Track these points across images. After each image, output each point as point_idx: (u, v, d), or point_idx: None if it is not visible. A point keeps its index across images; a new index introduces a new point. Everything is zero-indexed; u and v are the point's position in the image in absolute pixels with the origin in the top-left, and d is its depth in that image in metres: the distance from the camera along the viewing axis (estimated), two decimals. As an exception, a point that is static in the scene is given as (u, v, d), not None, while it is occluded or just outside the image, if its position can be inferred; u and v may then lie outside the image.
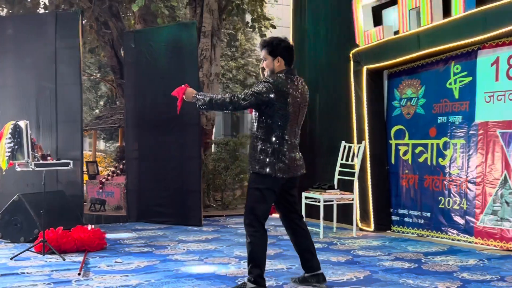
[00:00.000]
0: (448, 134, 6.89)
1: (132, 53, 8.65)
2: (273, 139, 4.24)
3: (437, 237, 6.96)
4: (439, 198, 6.97)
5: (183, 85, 4.40)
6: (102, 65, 21.34)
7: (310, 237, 4.55)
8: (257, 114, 4.28)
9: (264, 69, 4.41)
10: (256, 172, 4.27)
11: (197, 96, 4.28)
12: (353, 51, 7.82)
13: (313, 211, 7.60)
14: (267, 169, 4.23)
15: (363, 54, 7.70)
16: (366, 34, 7.65)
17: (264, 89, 4.16)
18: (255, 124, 4.31)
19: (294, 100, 4.26)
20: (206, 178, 9.97)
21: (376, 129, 7.67)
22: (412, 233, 7.28)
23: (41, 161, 5.89)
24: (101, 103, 24.86)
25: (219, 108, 4.26)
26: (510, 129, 6.18)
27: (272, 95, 4.15)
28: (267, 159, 4.23)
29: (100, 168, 12.23)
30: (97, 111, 24.04)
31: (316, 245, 4.90)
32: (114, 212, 9.91)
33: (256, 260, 4.28)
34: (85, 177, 10.05)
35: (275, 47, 4.32)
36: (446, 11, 6.59)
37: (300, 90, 4.34)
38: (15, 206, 6.67)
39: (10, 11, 11.27)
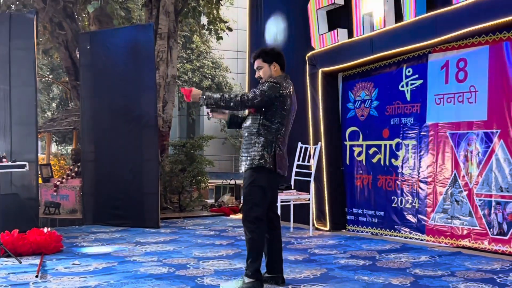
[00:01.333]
0: (401, 135, 7.10)
1: (88, 54, 8.58)
2: (273, 136, 4.39)
3: (390, 235, 7.16)
4: (392, 197, 7.17)
5: (187, 88, 4.52)
6: (55, 67, 20.98)
7: (281, 240, 4.67)
8: (259, 112, 4.39)
9: (261, 78, 4.55)
10: (257, 168, 4.36)
11: (203, 96, 4.38)
12: (309, 54, 7.97)
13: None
14: (270, 165, 4.35)
15: (318, 57, 7.86)
16: (321, 37, 7.80)
17: (272, 88, 4.34)
18: (253, 122, 4.42)
19: (291, 102, 4.46)
20: (163, 180, 9.95)
21: (331, 130, 7.84)
22: (367, 232, 7.46)
23: (-4, 163, 5.79)
24: (54, 105, 24.42)
25: (228, 106, 4.36)
26: (459, 130, 6.42)
27: (277, 95, 4.35)
28: (270, 155, 4.36)
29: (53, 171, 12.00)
30: (49, 113, 23.59)
31: (274, 244, 4.98)
32: (69, 215, 9.76)
33: (256, 256, 4.38)
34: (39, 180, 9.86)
35: (269, 53, 4.53)
36: (398, 16, 6.80)
37: (293, 95, 4.54)
38: (-31, 209, 6.53)
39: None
